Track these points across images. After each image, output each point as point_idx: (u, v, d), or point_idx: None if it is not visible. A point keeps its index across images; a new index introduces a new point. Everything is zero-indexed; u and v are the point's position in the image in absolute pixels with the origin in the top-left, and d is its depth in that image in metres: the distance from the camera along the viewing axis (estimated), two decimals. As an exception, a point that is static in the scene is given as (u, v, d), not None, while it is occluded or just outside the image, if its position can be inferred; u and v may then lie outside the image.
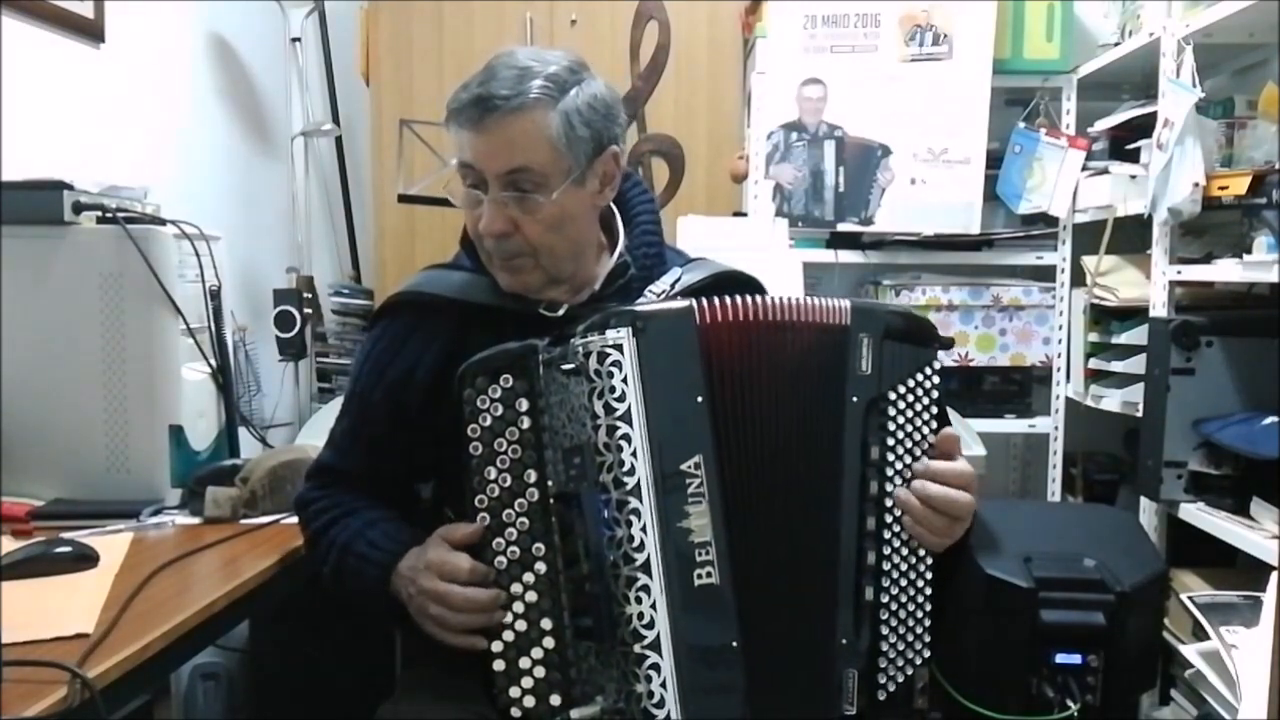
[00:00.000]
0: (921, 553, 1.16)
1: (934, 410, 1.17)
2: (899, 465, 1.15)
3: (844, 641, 1.13)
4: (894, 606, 1.14)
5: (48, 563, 1.28)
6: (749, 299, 1.15)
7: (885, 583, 1.14)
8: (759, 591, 1.11)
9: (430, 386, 1.27)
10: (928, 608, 1.16)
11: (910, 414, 1.16)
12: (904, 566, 1.15)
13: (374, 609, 1.25)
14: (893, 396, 1.15)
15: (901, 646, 1.15)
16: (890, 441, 1.15)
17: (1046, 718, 1.88)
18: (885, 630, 1.14)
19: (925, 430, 1.16)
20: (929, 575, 1.16)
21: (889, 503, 1.15)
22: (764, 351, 1.15)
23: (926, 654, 1.16)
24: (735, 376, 1.13)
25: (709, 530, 1.09)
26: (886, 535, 1.14)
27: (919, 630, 1.15)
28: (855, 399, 1.15)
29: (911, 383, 1.16)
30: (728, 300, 1.14)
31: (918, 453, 1.16)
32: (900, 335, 1.16)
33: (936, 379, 1.17)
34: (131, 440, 1.61)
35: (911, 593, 1.15)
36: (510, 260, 1.26)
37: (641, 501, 1.07)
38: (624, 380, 1.08)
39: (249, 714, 2.29)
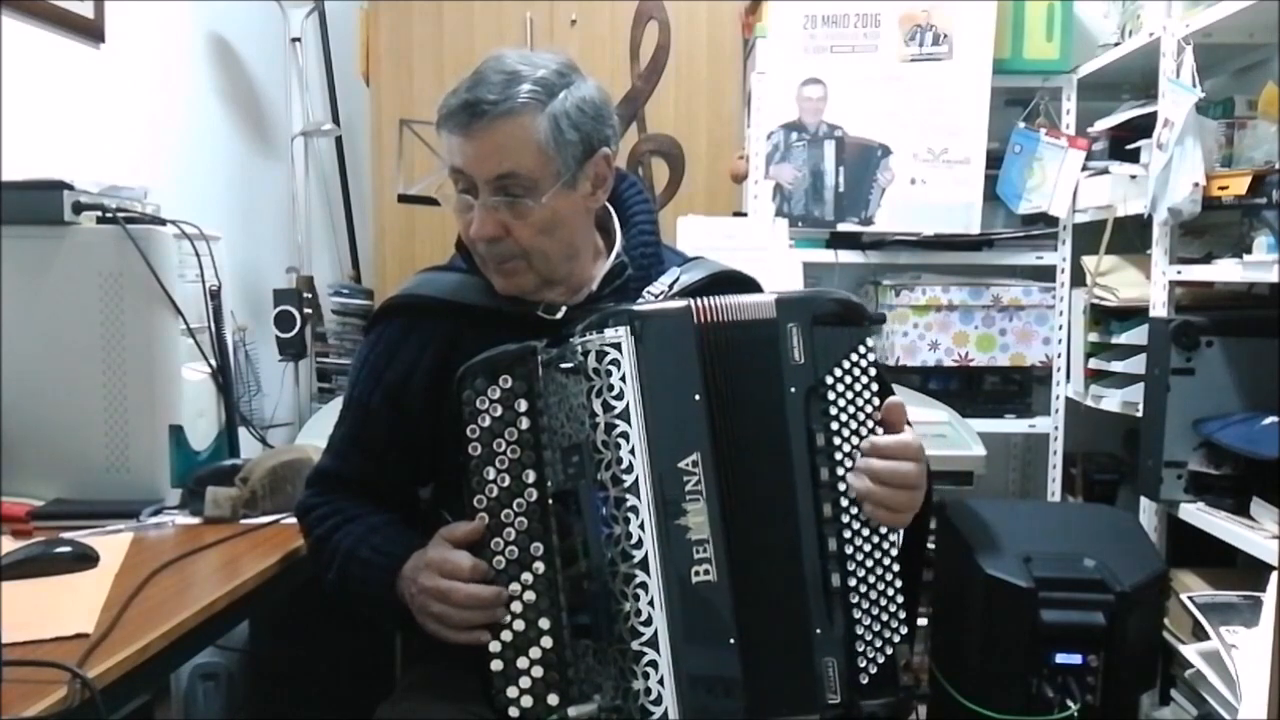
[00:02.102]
0: (884, 531, 1.16)
1: (874, 388, 1.17)
2: (846, 448, 1.15)
3: (818, 631, 1.13)
4: (863, 589, 1.14)
5: (48, 563, 1.28)
6: (737, 299, 1.15)
7: (851, 566, 1.14)
8: (754, 588, 1.11)
9: (428, 389, 1.27)
10: (898, 584, 1.16)
11: (850, 395, 1.16)
12: (867, 548, 1.15)
13: (380, 614, 1.25)
14: (830, 381, 1.15)
15: (877, 628, 1.14)
16: (834, 426, 1.15)
17: (1046, 718, 1.88)
18: (858, 614, 1.14)
19: (869, 409, 1.17)
20: (894, 553, 1.16)
21: (843, 487, 1.15)
22: (741, 349, 1.15)
23: (904, 631, 1.16)
24: (727, 375, 1.13)
25: (706, 528, 1.09)
26: (845, 519, 1.15)
27: (892, 609, 1.15)
28: (794, 389, 1.15)
29: (847, 364, 1.16)
30: (723, 300, 1.14)
31: (864, 432, 1.16)
32: (830, 319, 1.16)
33: (872, 356, 1.17)
34: (131, 440, 1.61)
35: (879, 572, 1.15)
36: (503, 264, 1.26)
37: (640, 499, 1.08)
38: (622, 379, 1.09)
39: (249, 714, 2.29)
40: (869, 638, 1.14)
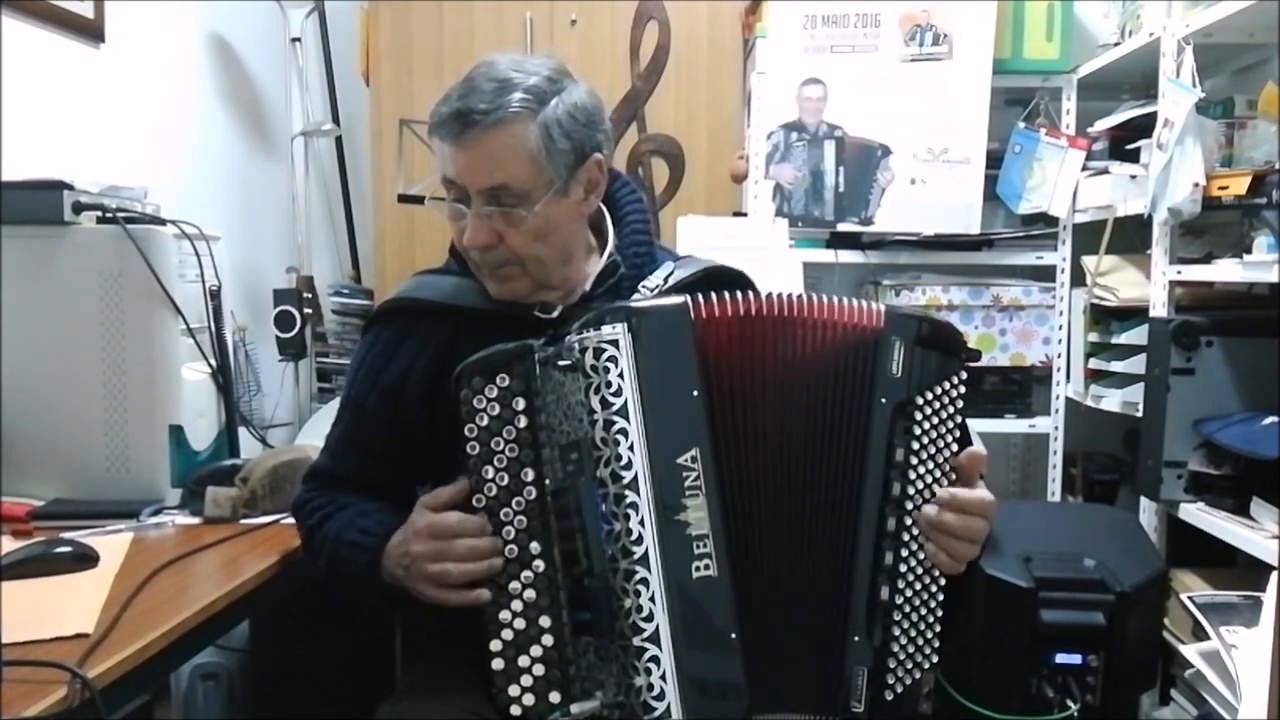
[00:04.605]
0: None
1: (957, 419, 1.17)
2: (921, 470, 1.15)
3: (856, 639, 1.13)
4: (907, 609, 1.14)
5: (48, 563, 1.28)
6: (847, 301, 1.15)
7: (900, 584, 1.14)
8: (762, 584, 1.11)
9: (424, 390, 1.27)
10: (939, 613, 1.16)
11: (935, 420, 1.16)
12: (919, 570, 1.15)
13: (370, 597, 1.25)
14: (920, 402, 1.15)
15: (911, 649, 1.15)
16: (915, 446, 1.15)
17: (1046, 718, 1.88)
18: (897, 631, 1.14)
19: (949, 438, 1.17)
20: (942, 580, 1.16)
21: (909, 506, 1.15)
22: (769, 347, 1.14)
23: (935, 659, 1.16)
24: (735, 371, 1.13)
25: (706, 523, 1.09)
26: (905, 537, 1.15)
27: (929, 634, 1.15)
28: (884, 400, 1.15)
29: (939, 390, 1.16)
30: (726, 295, 1.14)
31: (940, 460, 1.16)
32: (930, 343, 1.16)
33: (962, 389, 1.17)
34: (131, 440, 1.61)
35: (925, 596, 1.15)
36: (498, 270, 1.27)
37: (639, 495, 1.08)
38: (620, 375, 1.09)
39: (249, 714, 2.29)
40: (902, 657, 1.14)
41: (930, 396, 1.16)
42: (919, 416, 1.15)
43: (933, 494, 1.15)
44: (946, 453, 1.16)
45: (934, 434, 1.16)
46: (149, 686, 1.98)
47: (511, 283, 1.28)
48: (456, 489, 1.14)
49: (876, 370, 1.15)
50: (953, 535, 1.14)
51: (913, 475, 1.15)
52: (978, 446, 1.19)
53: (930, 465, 1.16)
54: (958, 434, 1.17)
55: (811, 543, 1.14)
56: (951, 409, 1.17)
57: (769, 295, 1.16)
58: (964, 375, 1.17)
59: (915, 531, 1.15)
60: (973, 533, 1.15)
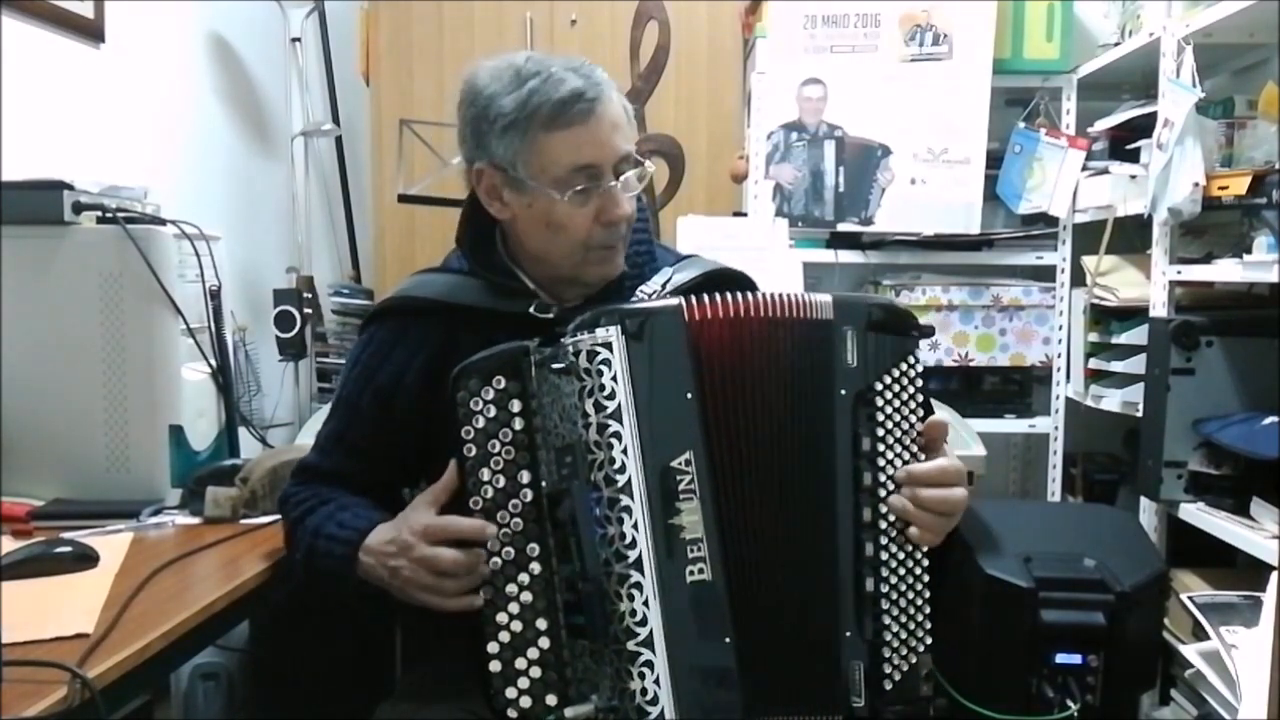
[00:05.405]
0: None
1: (919, 399, 1.17)
2: (889, 455, 1.15)
3: (848, 634, 1.13)
4: (894, 596, 1.14)
5: (48, 563, 1.28)
6: (738, 295, 1.15)
7: (884, 573, 1.14)
8: (755, 587, 1.11)
9: (420, 391, 1.27)
10: (926, 595, 1.16)
11: (897, 404, 1.16)
12: (901, 555, 1.15)
13: (344, 592, 1.25)
14: (879, 387, 1.15)
15: (904, 635, 1.15)
16: (880, 432, 1.15)
17: (1046, 718, 1.88)
18: (887, 620, 1.14)
19: (913, 419, 1.17)
20: (925, 562, 1.16)
21: (882, 494, 1.15)
22: (753, 347, 1.15)
23: (929, 641, 1.16)
24: (726, 373, 1.13)
25: (700, 527, 1.09)
26: (882, 526, 1.15)
27: (919, 618, 1.15)
28: (844, 392, 1.15)
29: (896, 373, 1.16)
30: (718, 297, 1.14)
31: (907, 441, 1.16)
32: (882, 326, 1.16)
33: (920, 367, 1.17)
34: (131, 440, 1.61)
35: (910, 580, 1.15)
36: (618, 245, 1.29)
37: (632, 499, 1.08)
38: (613, 378, 1.09)
39: (249, 714, 2.30)
40: (896, 644, 1.14)
41: (889, 380, 1.16)
42: (880, 402, 1.15)
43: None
44: (913, 434, 1.16)
45: (897, 417, 1.16)
46: (149, 686, 1.99)
47: (617, 257, 1.30)
48: (448, 479, 1.13)
49: (833, 362, 1.15)
50: (928, 510, 1.14)
51: (882, 462, 1.15)
52: (939, 415, 1.19)
53: (899, 449, 1.16)
54: (921, 413, 1.17)
55: (799, 543, 1.14)
56: (912, 389, 1.16)
57: (756, 295, 1.16)
58: (919, 353, 1.17)
59: (892, 518, 1.15)
60: (947, 504, 1.14)
